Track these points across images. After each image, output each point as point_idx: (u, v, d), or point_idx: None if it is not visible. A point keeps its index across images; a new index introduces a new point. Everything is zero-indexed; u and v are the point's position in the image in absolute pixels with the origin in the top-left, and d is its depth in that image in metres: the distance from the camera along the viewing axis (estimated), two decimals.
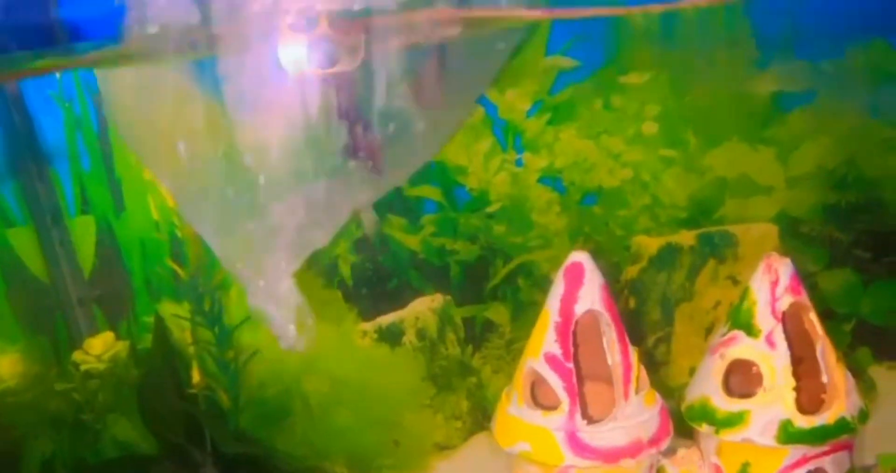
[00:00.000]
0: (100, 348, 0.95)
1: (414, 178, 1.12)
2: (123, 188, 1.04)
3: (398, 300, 1.16)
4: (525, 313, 1.17)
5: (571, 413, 0.81)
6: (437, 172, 1.13)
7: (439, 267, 1.16)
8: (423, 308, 1.17)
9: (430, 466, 1.18)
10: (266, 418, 1.04)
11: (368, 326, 1.15)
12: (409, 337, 1.17)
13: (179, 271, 0.97)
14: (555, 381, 0.82)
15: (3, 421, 0.92)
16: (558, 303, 0.84)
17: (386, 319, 1.16)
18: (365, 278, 1.14)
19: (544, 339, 0.84)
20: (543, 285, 1.17)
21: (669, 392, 0.93)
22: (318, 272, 1.11)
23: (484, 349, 1.18)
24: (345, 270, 1.13)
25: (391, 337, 1.16)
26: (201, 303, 0.93)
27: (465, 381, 1.18)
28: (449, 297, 1.17)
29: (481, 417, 1.20)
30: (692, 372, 1.11)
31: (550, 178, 1.13)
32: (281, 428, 1.06)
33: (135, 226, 1.05)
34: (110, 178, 1.03)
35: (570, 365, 0.82)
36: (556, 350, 0.83)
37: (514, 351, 1.18)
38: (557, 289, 0.84)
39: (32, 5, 0.79)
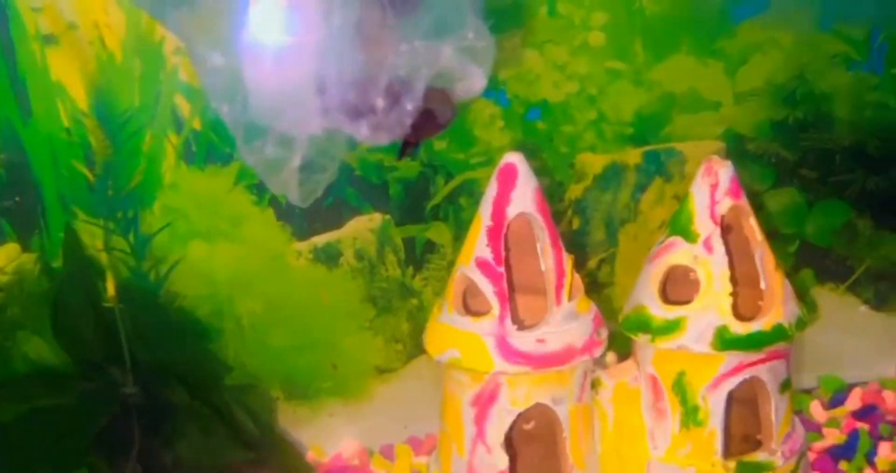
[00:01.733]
0: (2, 260, 0.89)
1: None
2: (29, 91, 0.96)
3: (335, 219, 1.10)
4: (467, 232, 1.13)
5: (502, 318, 0.78)
6: None
7: (378, 184, 1.10)
8: (362, 227, 1.12)
9: (369, 389, 1.16)
10: (195, 337, 1.00)
11: (303, 246, 1.10)
12: (347, 258, 1.12)
13: (87, 174, 0.90)
14: (485, 286, 0.79)
15: None
16: (490, 207, 0.80)
17: (322, 239, 1.11)
18: None
19: (476, 244, 0.81)
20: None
21: (612, 313, 0.90)
22: (247, 187, 1.05)
23: (425, 270, 1.14)
24: None
25: (328, 257, 1.11)
26: (114, 210, 0.87)
27: (406, 303, 1.15)
28: (388, 217, 1.12)
29: (422, 340, 1.17)
30: None
31: (493, 90, 1.07)
32: (209, 347, 1.02)
33: (43, 133, 0.97)
34: (12, 80, 0.95)
35: (501, 270, 0.79)
36: (487, 254, 0.79)
37: None
38: (490, 192, 0.81)
39: None
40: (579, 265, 0.85)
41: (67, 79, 0.96)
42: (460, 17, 0.75)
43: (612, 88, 1.09)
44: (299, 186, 0.76)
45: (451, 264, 1.15)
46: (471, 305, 0.82)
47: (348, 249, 1.12)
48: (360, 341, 1.14)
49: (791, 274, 1.12)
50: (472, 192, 1.12)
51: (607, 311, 0.88)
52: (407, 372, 1.17)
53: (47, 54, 0.95)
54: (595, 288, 1.13)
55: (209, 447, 0.92)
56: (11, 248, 0.91)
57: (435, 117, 0.78)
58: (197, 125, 1.02)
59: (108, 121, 0.98)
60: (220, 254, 1.06)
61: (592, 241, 1.13)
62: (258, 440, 0.98)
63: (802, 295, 1.08)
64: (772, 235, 0.90)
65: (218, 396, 0.97)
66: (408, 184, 1.12)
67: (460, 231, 1.14)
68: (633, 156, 1.11)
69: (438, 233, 1.14)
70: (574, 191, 1.12)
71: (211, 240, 1.05)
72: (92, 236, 0.91)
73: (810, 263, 1.19)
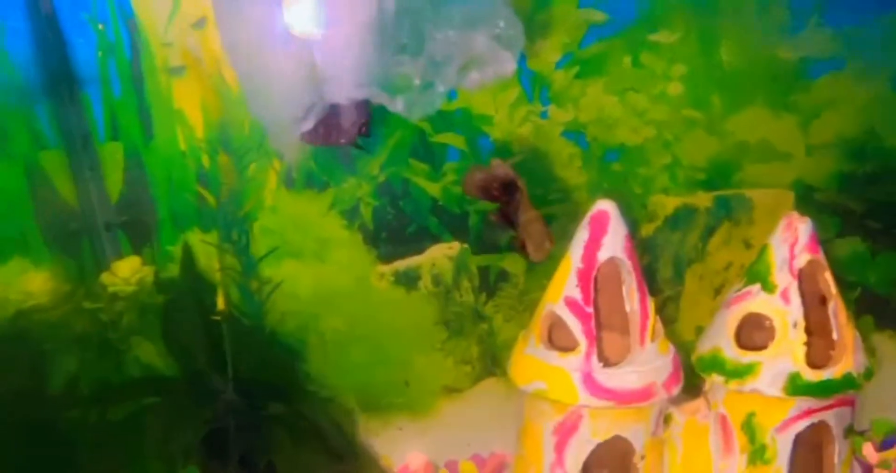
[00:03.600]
0: (127, 271, 0.97)
1: (438, 125, 1.13)
2: (153, 116, 1.04)
3: (416, 245, 1.18)
4: (540, 265, 1.19)
5: (588, 355, 0.84)
6: (461, 120, 1.13)
7: (458, 215, 1.17)
8: (440, 254, 1.19)
9: (437, 407, 1.22)
10: (284, 350, 1.07)
11: (386, 269, 1.17)
12: (425, 282, 1.19)
13: (209, 198, 0.98)
14: (574, 324, 0.85)
15: (32, 337, 0.94)
16: (581, 249, 0.86)
17: (403, 263, 1.18)
18: (385, 222, 1.16)
19: (566, 284, 0.87)
20: (560, 238, 1.19)
21: (678, 348, 0.96)
22: (339, 213, 1.13)
23: (497, 298, 1.21)
24: (366, 214, 1.15)
25: (407, 280, 1.18)
26: (230, 232, 0.95)
27: (477, 328, 1.21)
28: (466, 245, 1.19)
29: (490, 363, 1.23)
30: (699, 330, 1.14)
31: (574, 132, 1.14)
32: (297, 361, 1.09)
33: (162, 155, 1.05)
34: (140, 106, 1.04)
35: (590, 310, 0.85)
36: (576, 294, 0.85)
37: (526, 301, 1.21)
38: (582, 236, 0.87)
39: None
40: None
41: (188, 108, 1.05)
42: (493, 8, 0.82)
43: (687, 135, 1.14)
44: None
45: (523, 293, 1.23)
46: (555, 339, 0.89)
47: (427, 274, 1.19)
48: (432, 361, 1.21)
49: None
50: (549, 226, 1.18)
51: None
52: (474, 392, 1.24)
53: (172, 85, 1.04)
54: (661, 323, 1.18)
55: (301, 456, 0.99)
56: (134, 261, 0.99)
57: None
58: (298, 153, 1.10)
59: (222, 148, 1.06)
60: (310, 273, 1.13)
61: (660, 279, 1.19)
62: (343, 450, 1.05)
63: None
64: (834, 277, 0.95)
65: (308, 407, 1.05)
66: (487, 215, 1.18)
67: (533, 262, 1.21)
68: (704, 199, 1.17)
69: (512, 263, 1.20)
70: (645, 230, 1.18)
71: (302, 260, 1.12)
72: (207, 256, 0.99)
73: (870, 310, 1.23)
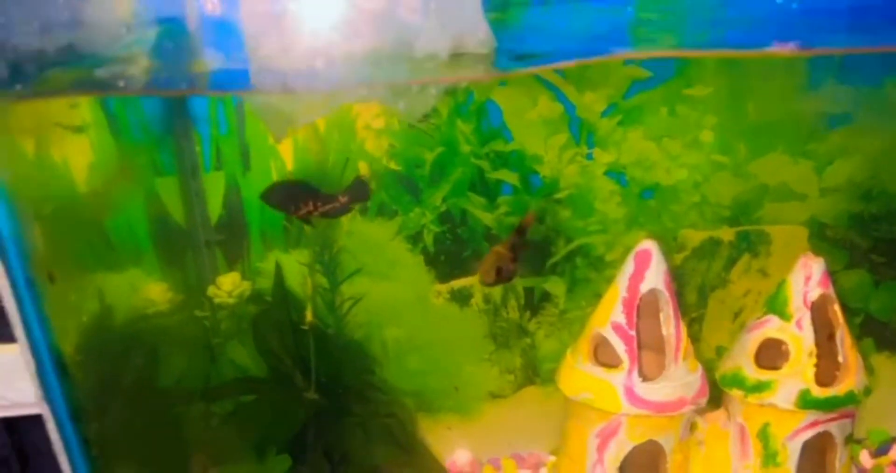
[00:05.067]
0: (229, 285, 1.13)
1: (495, 163, 1.28)
2: (251, 151, 1.20)
3: (471, 267, 1.32)
4: (579, 288, 1.34)
5: (630, 372, 0.99)
6: (516, 160, 1.29)
7: None
8: None
9: (483, 410, 1.37)
10: (358, 356, 1.23)
11: (443, 288, 1.32)
12: (477, 300, 1.34)
13: (306, 228, 1.14)
14: (618, 345, 1.00)
15: (148, 338, 1.10)
16: (627, 281, 1.01)
17: (458, 283, 1.33)
18: (444, 247, 1.31)
19: (612, 310, 1.02)
20: (598, 265, 1.34)
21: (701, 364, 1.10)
22: (405, 238, 1.28)
23: (540, 316, 1.36)
24: (428, 239, 1.30)
25: (461, 298, 1.33)
26: (321, 253, 1.10)
27: (521, 342, 1.36)
28: None
29: (531, 373, 1.38)
30: (719, 350, 1.29)
31: (615, 172, 1.29)
32: (368, 366, 1.25)
33: (257, 184, 1.21)
34: (241, 143, 1.20)
35: (633, 333, 1.00)
36: (621, 319, 1.00)
37: (566, 319, 1.36)
38: (627, 269, 1.02)
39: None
40: None
41: (281, 144, 1.21)
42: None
43: (715, 177, 1.29)
44: None
45: (563, 312, 1.37)
46: (601, 357, 1.04)
47: (478, 293, 1.34)
48: (480, 370, 1.36)
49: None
50: (587, 254, 1.33)
51: None
52: (516, 398, 1.38)
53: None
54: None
55: (371, 448, 1.14)
56: (235, 276, 1.15)
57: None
58: (373, 185, 1.26)
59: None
60: (378, 290, 1.28)
61: (686, 302, 1.34)
62: (406, 445, 1.20)
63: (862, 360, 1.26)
64: (841, 308, 1.09)
65: (376, 406, 1.20)
66: (533, 243, 1.33)
67: (573, 286, 1.36)
68: (728, 233, 1.32)
69: (554, 285, 1.35)
70: (675, 260, 1.32)
71: (372, 278, 1.28)
72: (293, 273, 1.15)
73: (871, 334, 1.37)
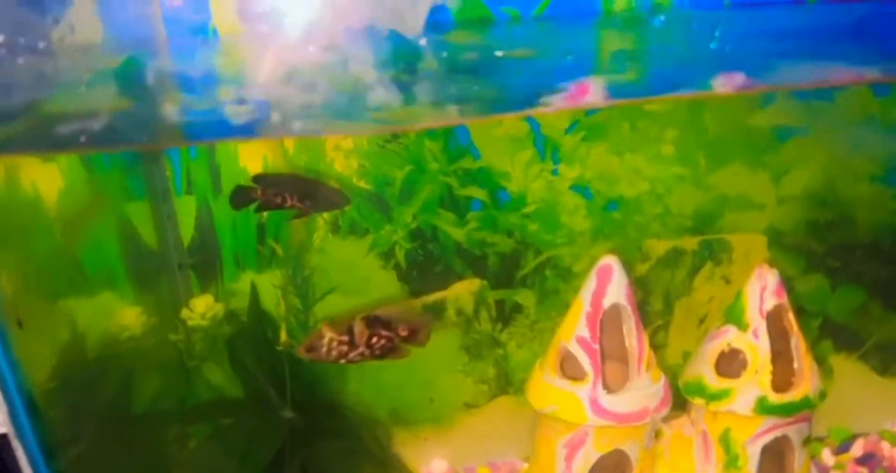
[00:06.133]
0: (202, 308, 1.14)
1: (463, 180, 1.31)
2: (221, 174, 1.22)
3: (442, 282, 1.35)
4: (549, 299, 1.38)
5: (595, 384, 1.03)
6: (483, 176, 1.32)
7: (479, 256, 1.35)
8: (463, 290, 1.37)
9: (458, 421, 1.40)
10: (328, 374, 1.25)
11: (417, 302, 1.35)
12: (450, 313, 1.37)
13: (278, 249, 1.16)
14: (583, 358, 1.03)
15: (125, 363, 1.11)
16: (590, 296, 1.05)
17: (431, 297, 1.35)
18: (416, 262, 1.33)
19: (577, 324, 1.05)
20: (566, 277, 1.38)
21: (665, 370, 1.14)
22: (377, 255, 1.31)
23: (511, 327, 1.39)
24: (399, 255, 1.32)
25: (435, 312, 1.35)
26: (295, 276, 1.12)
27: (493, 352, 1.39)
28: (485, 282, 1.36)
29: (504, 383, 1.41)
30: (685, 355, 1.34)
31: (580, 187, 1.32)
32: (341, 382, 1.27)
33: (228, 207, 1.23)
34: (211, 166, 1.21)
35: (597, 347, 1.03)
36: (585, 333, 1.04)
37: (537, 329, 1.39)
38: (590, 285, 1.05)
39: None
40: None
41: (251, 165, 1.23)
42: None
43: (676, 189, 1.33)
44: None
45: (534, 323, 1.41)
46: (567, 370, 1.07)
47: (451, 306, 1.37)
48: (454, 381, 1.39)
49: (813, 344, 1.36)
50: (556, 266, 1.37)
51: (661, 368, 1.12)
52: (490, 408, 1.41)
53: (238, 147, 1.21)
54: (652, 349, 1.37)
55: (350, 465, 1.16)
56: (208, 299, 1.17)
57: None
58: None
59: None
60: (351, 306, 1.31)
61: (652, 311, 1.38)
62: (383, 460, 1.22)
63: (821, 362, 1.31)
64: (800, 312, 1.13)
65: (352, 422, 1.22)
66: (503, 256, 1.36)
67: (543, 297, 1.39)
68: (691, 243, 1.36)
69: (525, 297, 1.38)
70: (639, 269, 1.36)
71: (346, 295, 1.30)
72: (267, 294, 1.17)
73: (830, 335, 1.42)
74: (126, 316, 1.12)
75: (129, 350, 1.12)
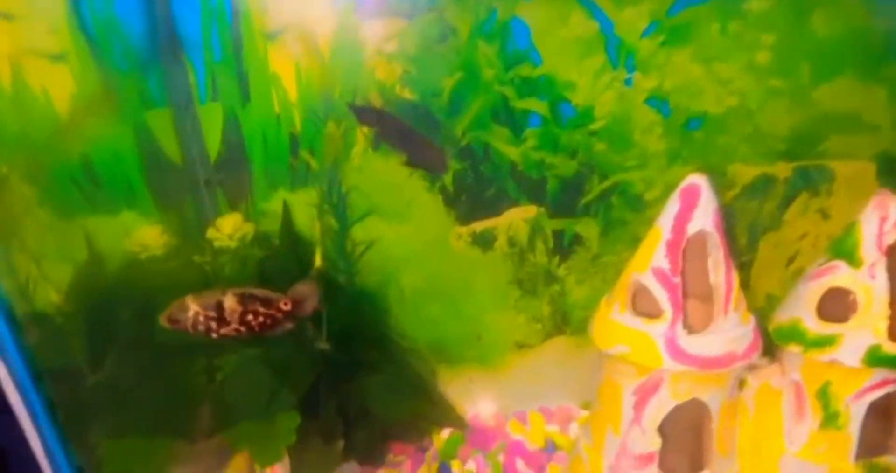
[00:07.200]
0: (230, 227, 1.03)
1: (521, 90, 1.15)
2: (250, 80, 1.08)
3: (494, 208, 1.21)
4: (614, 230, 1.23)
5: (673, 323, 0.88)
6: (545, 86, 1.15)
7: (536, 179, 1.20)
8: (517, 217, 1.23)
9: (507, 361, 1.28)
10: (367, 302, 1.13)
11: (464, 230, 1.21)
12: (501, 244, 1.23)
13: (313, 163, 1.03)
14: (660, 293, 0.88)
15: (147, 286, 1.02)
16: (672, 221, 0.89)
17: (481, 225, 1.22)
18: (465, 185, 1.19)
19: (654, 254, 0.90)
20: (635, 205, 1.22)
21: None
22: (422, 176, 1.17)
23: (570, 260, 1.25)
24: (447, 176, 1.19)
25: (484, 241, 1.22)
26: (331, 194, 0.99)
27: (549, 288, 1.26)
28: (542, 209, 1.22)
29: (560, 321, 1.28)
30: (769, 298, 1.17)
31: (657, 100, 1.15)
32: (379, 312, 1.16)
33: (258, 118, 1.10)
34: (238, 70, 1.08)
35: (677, 280, 0.88)
36: (664, 264, 0.88)
37: (599, 264, 1.24)
38: (672, 208, 0.89)
39: None
40: None
41: (282, 71, 1.09)
42: None
43: (771, 105, 1.14)
44: None
45: (596, 257, 1.26)
46: (639, 306, 0.92)
47: (503, 235, 1.23)
48: (504, 318, 1.26)
49: None
50: (624, 193, 1.21)
51: None
52: (543, 349, 1.29)
53: (268, 49, 1.07)
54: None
55: (390, 400, 1.06)
56: (236, 217, 1.05)
57: None
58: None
59: (312, 111, 1.10)
60: (393, 233, 1.18)
61: (734, 246, 1.21)
62: (425, 397, 1.11)
63: None
64: None
65: (393, 357, 1.11)
66: (564, 180, 1.21)
67: (607, 228, 1.24)
68: (784, 169, 1.17)
69: (586, 227, 1.23)
70: (723, 199, 1.19)
71: (386, 219, 1.17)
72: (303, 215, 1.05)
73: None
74: (147, 235, 1.02)
75: (151, 272, 1.02)
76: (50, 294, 0.99)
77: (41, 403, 0.87)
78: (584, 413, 1.27)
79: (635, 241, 1.04)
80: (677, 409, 0.91)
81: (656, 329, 0.88)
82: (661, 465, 0.92)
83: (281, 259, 1.05)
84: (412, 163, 1.02)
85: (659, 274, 0.89)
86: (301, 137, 1.11)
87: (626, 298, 0.92)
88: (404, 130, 0.98)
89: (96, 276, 1.01)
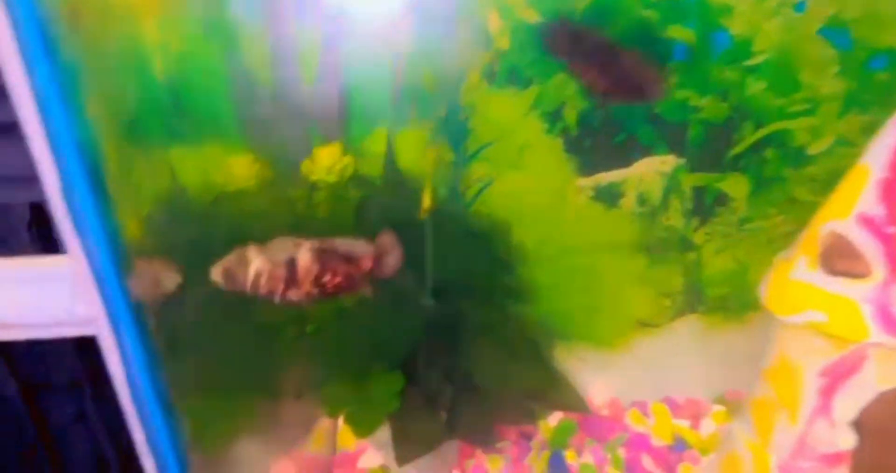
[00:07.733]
0: (328, 160, 0.89)
1: (667, 15, 0.97)
2: None
3: (623, 157, 1.04)
4: (767, 189, 1.03)
5: (887, 285, 0.69)
6: (694, 9, 0.97)
7: (677, 124, 1.03)
8: (650, 169, 1.05)
9: (627, 342, 1.10)
10: (482, 254, 0.97)
11: (586, 182, 1.05)
12: (628, 201, 1.06)
13: (426, 85, 0.88)
14: (869, 247, 0.69)
15: (234, 224, 0.88)
16: (885, 155, 0.70)
17: (606, 177, 1.05)
18: (591, 128, 1.03)
19: (858, 197, 0.71)
20: (797, 160, 1.02)
21: None
22: (540, 115, 1.00)
23: (711, 224, 1.06)
24: (570, 117, 1.02)
25: (609, 197, 1.05)
26: (446, 121, 0.84)
27: (683, 257, 1.08)
28: (682, 161, 1.04)
29: (693, 298, 1.10)
30: None
31: (834, 30, 0.95)
32: (494, 266, 1.00)
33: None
34: None
35: (892, 230, 0.69)
36: (876, 211, 0.69)
37: (746, 230, 1.05)
38: (886, 138, 0.70)
39: None
40: None
41: None
42: None
43: None
44: None
45: (743, 221, 1.07)
46: (835, 262, 0.73)
47: (631, 191, 1.06)
48: (627, 290, 1.08)
49: None
50: (784, 144, 1.01)
51: None
52: (671, 329, 1.11)
53: None
54: None
55: (498, 369, 0.90)
56: (335, 149, 0.91)
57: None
58: (504, 44, 0.97)
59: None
60: (503, 181, 1.02)
61: None
62: (542, 371, 0.95)
63: None
64: None
65: (509, 316, 0.95)
66: (711, 127, 1.03)
67: (760, 186, 1.05)
68: None
69: (735, 185, 1.04)
70: None
71: (496, 165, 1.01)
72: (408, 151, 0.90)
73: None
74: (235, 165, 0.88)
75: (239, 207, 0.89)
76: (132, 229, 0.87)
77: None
78: (719, 409, 1.08)
79: (792, 204, 0.85)
80: (883, 398, 0.71)
81: (862, 291, 0.69)
82: (855, 468, 0.73)
83: (382, 200, 0.90)
84: (615, 93, 0.82)
85: (866, 223, 0.69)
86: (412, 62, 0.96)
87: (817, 253, 0.73)
88: (606, 49, 0.79)
89: (179, 210, 0.88)
